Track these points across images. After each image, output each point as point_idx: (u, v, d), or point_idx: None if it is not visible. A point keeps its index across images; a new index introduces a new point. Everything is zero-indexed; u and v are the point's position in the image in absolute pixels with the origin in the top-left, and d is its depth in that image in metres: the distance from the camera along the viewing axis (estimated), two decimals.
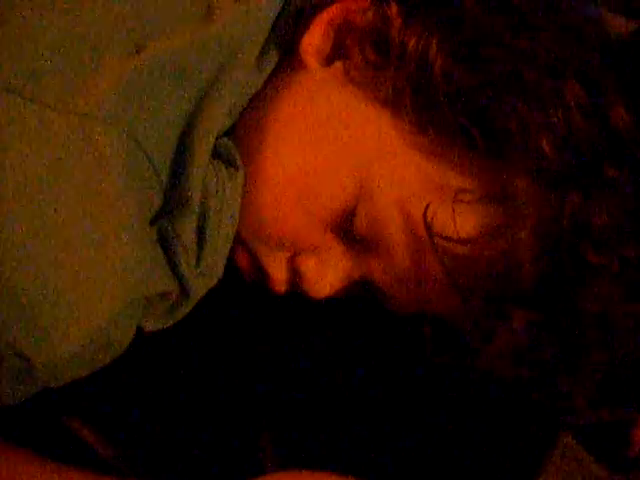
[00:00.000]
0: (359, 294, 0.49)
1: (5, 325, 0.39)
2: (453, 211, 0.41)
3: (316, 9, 0.47)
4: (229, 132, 0.46)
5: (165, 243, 0.42)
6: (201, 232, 0.43)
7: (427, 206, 0.41)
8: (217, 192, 0.43)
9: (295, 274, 0.48)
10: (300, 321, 0.50)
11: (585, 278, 0.41)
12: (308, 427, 0.48)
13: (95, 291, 0.39)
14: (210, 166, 0.43)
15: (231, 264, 0.47)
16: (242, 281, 0.49)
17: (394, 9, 0.44)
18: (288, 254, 0.47)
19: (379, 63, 0.44)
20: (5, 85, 0.38)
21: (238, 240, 0.46)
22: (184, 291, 0.43)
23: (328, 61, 0.46)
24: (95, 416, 0.45)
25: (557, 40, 0.43)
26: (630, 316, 0.44)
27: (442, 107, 0.41)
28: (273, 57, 0.47)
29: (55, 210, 0.38)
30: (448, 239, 0.41)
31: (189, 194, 0.42)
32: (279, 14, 0.47)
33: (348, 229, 0.45)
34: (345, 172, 0.44)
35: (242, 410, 0.47)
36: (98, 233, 0.39)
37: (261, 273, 0.48)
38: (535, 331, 0.42)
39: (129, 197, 0.40)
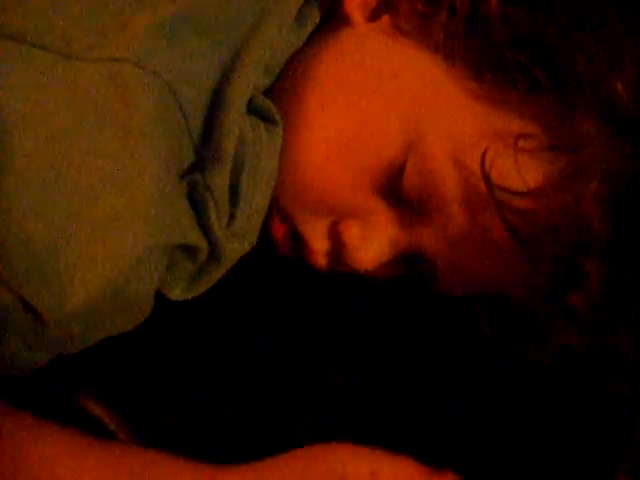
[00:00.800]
0: (408, 273, 0.45)
1: (16, 274, 0.35)
2: (515, 159, 0.37)
3: None
4: (268, 92, 0.43)
5: (196, 198, 0.39)
6: (235, 188, 0.39)
7: (484, 154, 0.37)
8: (253, 146, 0.40)
9: (337, 245, 0.43)
10: (335, 305, 0.45)
11: None
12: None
13: (114, 232, 0.35)
14: (246, 120, 0.40)
15: (266, 237, 0.43)
16: (276, 258, 0.45)
17: None
18: (329, 222, 0.43)
19: (429, 12, 0.41)
20: (28, 36, 0.36)
21: (275, 207, 0.43)
22: (214, 252, 0.39)
23: (374, 15, 0.43)
24: (110, 394, 0.40)
25: None
26: None
27: (500, 48, 0.38)
28: (314, 14, 0.44)
29: (78, 151, 0.35)
30: (510, 191, 0.37)
31: (222, 145, 0.38)
32: None
33: (396, 190, 0.41)
34: (394, 124, 0.41)
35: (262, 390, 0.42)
36: (122, 174, 0.36)
37: (299, 244, 0.44)
38: (613, 294, 0.38)
39: (157, 140, 0.37)
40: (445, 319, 0.45)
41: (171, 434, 0.40)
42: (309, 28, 0.44)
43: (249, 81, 0.40)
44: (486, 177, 0.37)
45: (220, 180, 0.39)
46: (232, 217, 0.39)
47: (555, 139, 0.37)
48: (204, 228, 0.39)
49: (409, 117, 0.40)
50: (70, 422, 0.38)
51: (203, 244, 0.39)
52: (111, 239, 0.35)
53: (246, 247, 0.41)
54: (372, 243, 0.42)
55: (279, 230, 0.44)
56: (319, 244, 0.43)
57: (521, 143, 0.37)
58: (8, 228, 0.34)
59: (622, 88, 0.36)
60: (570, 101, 0.37)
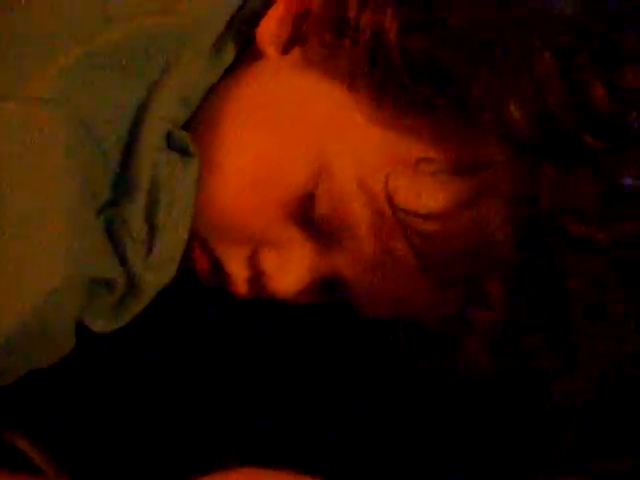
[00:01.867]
0: (330, 299, 0.46)
1: None
2: (417, 183, 0.38)
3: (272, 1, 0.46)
4: (186, 126, 0.44)
5: (113, 231, 0.40)
6: (152, 221, 0.40)
7: (387, 179, 0.38)
8: (169, 179, 0.41)
9: (257, 273, 0.44)
10: (265, 329, 0.46)
11: (566, 252, 0.38)
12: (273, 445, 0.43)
13: (29, 267, 0.36)
14: (162, 154, 0.41)
15: (187, 267, 0.44)
16: (200, 287, 0.46)
17: None
18: (248, 250, 0.44)
19: (336, 42, 0.42)
20: None
21: (195, 237, 0.44)
22: (132, 283, 0.40)
23: (286, 48, 0.45)
24: (39, 430, 0.40)
25: (527, 13, 0.42)
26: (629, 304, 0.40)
27: (401, 77, 0.39)
28: (230, 50, 0.45)
29: None
30: (414, 214, 0.38)
31: (137, 180, 0.40)
32: (238, 9, 0.46)
33: (310, 218, 0.42)
34: (303, 154, 0.42)
35: (198, 423, 0.42)
36: (35, 209, 0.37)
37: (220, 274, 0.45)
38: (517, 315, 0.39)
39: (72, 175, 0.38)
40: (367, 341, 0.46)
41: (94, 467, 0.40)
42: (225, 61, 0.45)
43: (164, 117, 0.42)
44: (390, 201, 0.38)
45: (136, 212, 0.40)
46: (150, 250, 0.40)
47: (456, 162, 0.39)
48: (121, 261, 0.40)
49: (317, 146, 0.41)
50: None
51: (121, 277, 0.40)
52: (25, 269, 0.36)
53: (165, 279, 0.42)
54: (289, 271, 0.44)
55: (201, 260, 0.45)
56: (239, 272, 0.44)
57: (422, 167, 0.38)
58: None
59: (517, 112, 0.38)
60: (468, 125, 0.39)
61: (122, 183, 0.40)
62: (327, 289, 0.45)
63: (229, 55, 0.45)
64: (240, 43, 0.46)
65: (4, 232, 0.36)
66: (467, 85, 0.38)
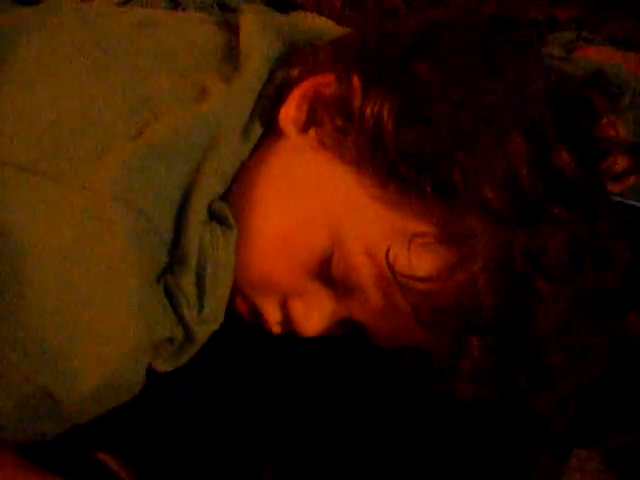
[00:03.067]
0: (350, 332, 0.56)
1: (39, 371, 0.46)
2: (412, 252, 0.47)
3: (292, 84, 0.54)
4: (224, 195, 0.53)
5: (170, 295, 0.50)
6: (201, 284, 0.50)
7: (388, 249, 0.47)
8: (212, 249, 0.50)
9: (287, 317, 0.54)
10: (298, 356, 0.56)
11: (537, 306, 0.47)
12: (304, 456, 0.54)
13: (108, 339, 0.46)
14: (206, 226, 0.51)
15: (233, 310, 0.54)
16: (244, 324, 0.56)
17: (355, 80, 0.51)
18: (280, 299, 0.54)
19: (345, 128, 0.50)
20: (17, 162, 0.47)
21: (237, 290, 0.53)
22: (188, 336, 0.50)
23: (304, 129, 0.53)
24: (119, 448, 0.52)
25: (501, 96, 0.49)
26: (591, 341, 0.49)
27: (396, 164, 0.48)
28: (257, 129, 0.53)
29: (73, 273, 0.46)
30: (409, 277, 0.47)
31: (187, 252, 0.49)
32: (261, 92, 0.54)
33: (328, 275, 0.51)
34: (320, 226, 0.51)
35: (243, 438, 0.53)
36: (109, 290, 0.46)
37: (258, 317, 0.55)
38: (497, 357, 0.48)
39: (136, 259, 0.47)
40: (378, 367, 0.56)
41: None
42: (253, 139, 0.53)
43: (207, 194, 0.50)
44: (391, 267, 0.47)
45: (188, 280, 0.49)
46: (201, 307, 0.50)
47: (443, 235, 0.47)
48: (179, 318, 0.50)
49: (332, 219, 0.50)
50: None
51: (179, 332, 0.50)
52: (108, 342, 0.46)
53: (214, 327, 0.52)
54: (313, 317, 0.53)
55: (242, 306, 0.55)
56: (273, 317, 0.54)
57: (416, 239, 0.47)
58: (29, 335, 0.46)
59: (491, 192, 0.46)
60: (452, 204, 0.47)
61: (175, 255, 0.50)
62: (344, 326, 0.55)
63: (257, 133, 0.53)
64: (265, 122, 0.54)
65: (87, 307, 0.46)
66: (449, 171, 0.46)
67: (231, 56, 0.58)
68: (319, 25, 0.67)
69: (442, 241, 0.47)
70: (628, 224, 0.60)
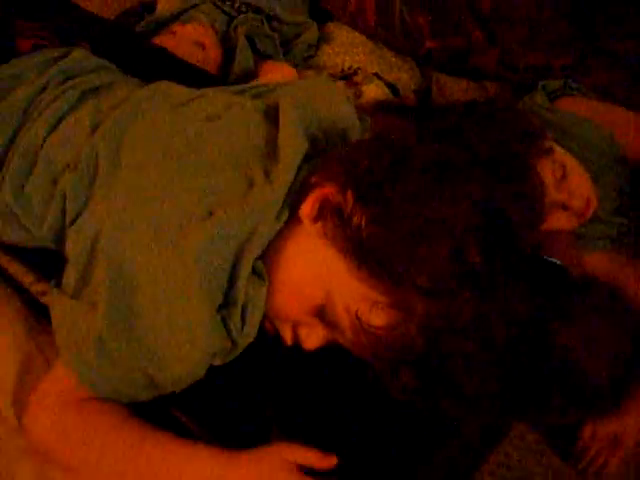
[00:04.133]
0: (334, 345, 0.87)
1: (148, 366, 0.78)
2: (371, 312, 0.77)
3: (310, 188, 0.84)
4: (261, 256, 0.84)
5: (225, 322, 0.81)
6: (243, 316, 0.81)
7: (357, 309, 0.78)
8: (253, 295, 0.81)
9: (296, 337, 0.86)
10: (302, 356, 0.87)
11: (447, 349, 0.77)
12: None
13: (189, 350, 0.78)
14: (250, 279, 0.81)
15: (263, 329, 0.86)
16: (268, 337, 0.87)
17: (349, 195, 0.79)
18: (292, 325, 0.85)
19: (339, 227, 0.80)
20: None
21: (266, 317, 0.85)
22: (234, 346, 0.82)
23: (314, 221, 0.82)
24: (191, 408, 0.84)
25: (437, 213, 0.78)
26: (480, 365, 0.79)
27: (367, 256, 0.77)
28: (285, 214, 0.83)
29: (170, 307, 0.78)
30: (369, 327, 0.77)
31: (237, 297, 0.80)
32: (290, 186, 0.84)
33: (322, 315, 0.82)
34: (318, 287, 0.80)
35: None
36: (190, 320, 0.78)
37: (278, 334, 0.87)
38: (418, 379, 0.78)
39: (207, 299, 0.78)
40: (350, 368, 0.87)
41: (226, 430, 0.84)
42: (282, 220, 0.83)
43: (251, 258, 0.81)
44: (358, 320, 0.77)
45: (236, 314, 0.80)
46: (243, 329, 0.82)
47: (392, 303, 0.76)
48: (230, 336, 0.81)
49: (325, 285, 0.79)
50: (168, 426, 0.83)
51: (229, 344, 0.82)
52: (189, 351, 0.78)
53: (250, 340, 0.83)
54: (312, 339, 0.84)
55: (268, 327, 0.87)
56: (286, 336, 0.86)
57: (375, 304, 0.77)
58: (143, 345, 0.78)
59: (423, 281, 0.75)
60: (399, 285, 0.76)
61: (229, 296, 0.81)
62: (331, 343, 0.86)
63: (285, 218, 0.83)
64: (291, 209, 0.84)
65: (176, 330, 0.78)
66: (397, 265, 0.75)
67: (272, 149, 0.88)
68: (337, 112, 0.97)
69: (391, 307, 0.77)
70: (546, 279, 0.91)
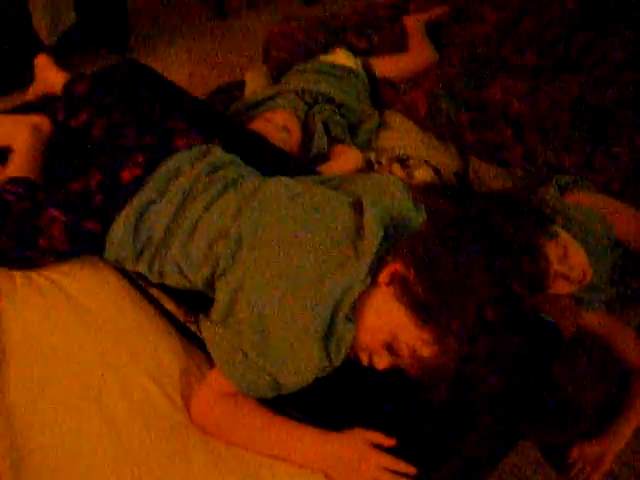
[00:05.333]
0: (395, 367, 1.30)
1: (278, 376, 1.22)
2: (422, 346, 1.21)
3: (385, 263, 1.28)
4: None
5: (327, 351, 1.25)
6: (338, 348, 1.25)
7: (413, 345, 1.21)
8: (345, 335, 1.25)
9: (370, 361, 1.29)
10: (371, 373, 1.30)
11: (468, 374, 1.19)
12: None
13: (305, 368, 1.22)
14: (344, 324, 1.25)
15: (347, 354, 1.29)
16: (351, 361, 1.31)
17: (412, 271, 1.23)
18: (368, 353, 1.28)
19: (404, 291, 1.24)
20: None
21: (351, 347, 1.28)
22: (330, 365, 1.26)
23: (388, 285, 1.26)
24: (298, 403, 1.28)
25: (469, 280, 1.21)
26: (489, 383, 1.22)
27: (421, 312, 1.21)
28: (368, 280, 1.26)
29: (295, 343, 1.22)
30: (420, 356, 1.21)
31: (336, 337, 1.24)
32: (372, 263, 1.28)
33: (390, 348, 1.25)
34: (387, 331, 1.23)
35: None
36: (307, 352, 1.22)
37: (358, 359, 1.30)
38: (451, 390, 1.21)
39: (317, 336, 1.22)
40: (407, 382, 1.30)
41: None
42: (366, 285, 1.27)
43: (346, 309, 1.25)
44: (413, 353, 1.21)
45: (334, 347, 1.24)
46: (338, 356, 1.25)
47: (438, 341, 1.20)
48: (329, 361, 1.25)
49: (393, 329, 1.23)
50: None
51: (328, 364, 1.25)
52: (305, 369, 1.22)
53: (340, 362, 1.27)
54: (382, 363, 1.26)
55: (351, 353, 1.30)
56: (364, 360, 1.29)
57: (425, 341, 1.20)
58: (274, 363, 1.22)
59: (457, 328, 1.18)
60: (442, 329, 1.19)
61: (330, 332, 1.24)
62: (394, 365, 1.29)
63: (368, 283, 1.27)
64: (372, 278, 1.28)
65: (297, 354, 1.22)
66: (441, 317, 1.19)
67: (359, 233, 1.32)
68: (401, 205, 1.41)
69: (434, 344, 1.20)
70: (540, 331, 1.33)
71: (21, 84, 3.21)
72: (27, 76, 3.12)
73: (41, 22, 3.06)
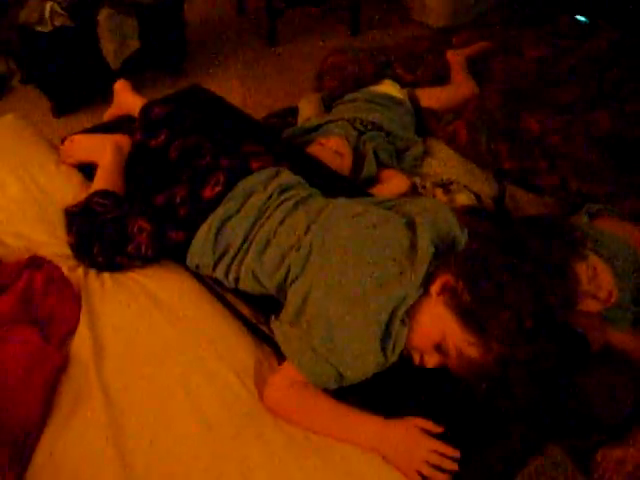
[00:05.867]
0: (443, 367, 1.49)
1: (342, 369, 1.43)
2: (469, 347, 1.40)
3: (436, 276, 1.47)
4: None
5: (383, 349, 1.44)
6: (394, 347, 1.44)
7: (461, 347, 1.40)
8: (400, 337, 1.44)
9: (422, 361, 1.48)
10: (420, 372, 1.49)
11: (508, 375, 1.38)
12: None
13: (366, 364, 1.42)
14: (400, 326, 1.45)
15: (401, 354, 1.49)
16: (404, 359, 1.50)
17: (460, 283, 1.42)
18: (420, 353, 1.48)
19: (454, 300, 1.43)
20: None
21: (404, 347, 1.47)
22: (386, 362, 1.45)
23: (438, 294, 1.45)
24: (357, 393, 1.48)
25: (510, 293, 1.40)
26: (526, 384, 1.40)
27: (468, 318, 1.40)
28: (422, 290, 1.46)
29: (355, 339, 1.42)
30: (467, 357, 1.40)
31: (392, 339, 1.43)
32: (425, 275, 1.48)
33: (439, 348, 1.45)
34: (437, 332, 1.43)
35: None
36: (370, 350, 1.42)
37: (411, 357, 1.49)
38: (494, 389, 1.40)
39: (377, 337, 1.42)
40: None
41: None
42: (420, 294, 1.47)
43: (401, 316, 1.44)
44: (460, 353, 1.40)
45: (390, 344, 1.43)
46: (392, 354, 1.45)
47: (482, 343, 1.38)
48: (385, 358, 1.44)
49: (443, 330, 1.42)
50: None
51: (384, 361, 1.44)
52: (366, 364, 1.42)
53: (394, 360, 1.46)
54: (431, 362, 1.45)
55: (405, 353, 1.49)
56: (416, 360, 1.48)
57: (471, 343, 1.39)
58: (340, 360, 1.42)
59: (500, 334, 1.37)
60: (488, 333, 1.38)
61: (386, 334, 1.44)
62: (443, 365, 1.48)
63: (422, 291, 1.46)
64: (425, 287, 1.48)
65: (362, 354, 1.42)
66: (485, 323, 1.38)
67: (413, 249, 1.52)
68: (449, 226, 1.60)
69: (480, 346, 1.39)
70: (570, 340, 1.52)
71: (88, 103, 3.49)
72: (95, 96, 3.41)
73: (109, 48, 3.32)
